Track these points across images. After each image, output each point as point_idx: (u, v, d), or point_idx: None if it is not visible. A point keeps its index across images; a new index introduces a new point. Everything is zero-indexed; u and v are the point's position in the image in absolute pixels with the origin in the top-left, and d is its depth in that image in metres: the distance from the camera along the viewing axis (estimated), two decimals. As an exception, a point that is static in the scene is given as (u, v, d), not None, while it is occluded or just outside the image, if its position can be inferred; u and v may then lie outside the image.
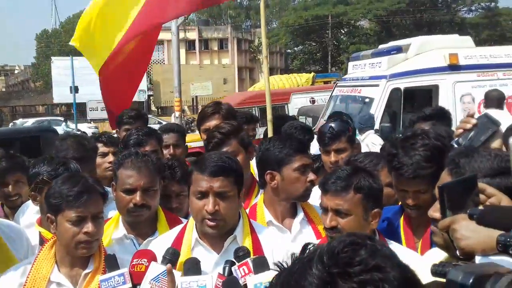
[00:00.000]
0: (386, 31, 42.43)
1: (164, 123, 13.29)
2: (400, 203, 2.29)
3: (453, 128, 2.59)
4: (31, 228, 2.63)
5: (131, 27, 4.24)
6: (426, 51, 8.02)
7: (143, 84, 37.55)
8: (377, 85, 7.87)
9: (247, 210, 2.46)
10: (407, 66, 7.88)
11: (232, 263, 1.83)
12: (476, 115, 1.98)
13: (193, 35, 47.28)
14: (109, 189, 2.59)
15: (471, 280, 0.95)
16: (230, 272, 1.80)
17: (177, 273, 1.81)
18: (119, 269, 1.87)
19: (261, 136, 4.66)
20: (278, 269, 0.93)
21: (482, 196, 1.39)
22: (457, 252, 1.32)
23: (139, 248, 2.28)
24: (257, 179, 2.72)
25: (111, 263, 1.92)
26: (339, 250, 0.81)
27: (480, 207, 1.35)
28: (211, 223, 1.92)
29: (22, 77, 62.31)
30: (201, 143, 3.56)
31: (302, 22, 42.33)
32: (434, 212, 1.44)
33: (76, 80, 29.65)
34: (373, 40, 42.09)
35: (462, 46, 8.19)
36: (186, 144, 3.85)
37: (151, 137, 3.22)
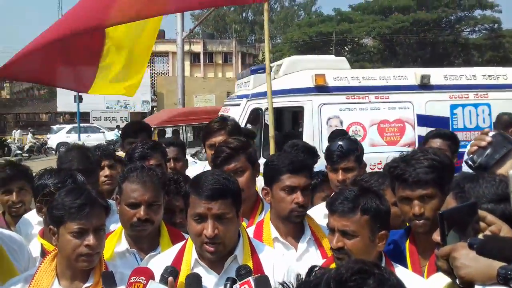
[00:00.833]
0: (389, 50, 42.66)
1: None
2: (407, 224, 2.28)
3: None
4: (33, 239, 2.63)
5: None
6: (295, 71, 7.53)
7: (147, 95, 37.73)
8: (238, 105, 7.54)
9: (253, 227, 2.46)
10: (273, 85, 7.39)
11: (234, 281, 1.81)
12: (469, 133, 1.97)
13: (198, 48, 47.57)
14: (111, 202, 2.59)
15: None
16: None
17: None
18: (117, 287, 1.86)
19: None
20: None
21: (482, 224, 1.39)
22: (457, 281, 1.32)
23: (141, 263, 2.26)
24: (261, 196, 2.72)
25: (109, 280, 1.91)
26: (347, 278, 0.81)
27: (481, 236, 1.35)
28: (211, 249, 1.90)
29: (27, 85, 62.48)
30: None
31: (306, 38, 42.54)
32: (438, 236, 1.44)
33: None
34: (377, 58, 42.31)
35: (334, 67, 7.64)
36: (186, 158, 3.86)
37: (156, 151, 3.21)
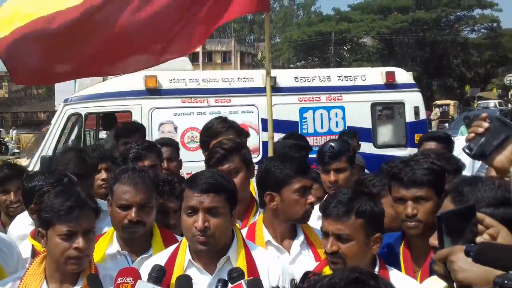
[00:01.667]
0: (388, 49, 42.68)
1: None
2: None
3: None
4: (24, 240, 2.59)
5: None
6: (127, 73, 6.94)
7: (145, 94, 37.69)
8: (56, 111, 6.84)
9: (246, 229, 2.43)
10: (97, 89, 6.78)
11: (225, 283, 1.78)
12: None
13: (196, 47, 47.69)
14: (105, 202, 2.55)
15: None
16: None
17: None
18: None
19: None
20: None
21: (480, 227, 1.37)
22: (454, 285, 1.29)
23: (132, 265, 2.24)
24: (257, 198, 2.68)
25: (94, 283, 1.88)
26: None
27: (479, 238, 1.32)
28: (201, 238, 1.90)
29: (25, 84, 62.46)
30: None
31: (306, 38, 42.58)
32: (435, 240, 1.41)
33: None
34: (376, 57, 42.34)
35: (173, 68, 6.61)
36: (180, 158, 3.81)
37: (151, 151, 3.19)
